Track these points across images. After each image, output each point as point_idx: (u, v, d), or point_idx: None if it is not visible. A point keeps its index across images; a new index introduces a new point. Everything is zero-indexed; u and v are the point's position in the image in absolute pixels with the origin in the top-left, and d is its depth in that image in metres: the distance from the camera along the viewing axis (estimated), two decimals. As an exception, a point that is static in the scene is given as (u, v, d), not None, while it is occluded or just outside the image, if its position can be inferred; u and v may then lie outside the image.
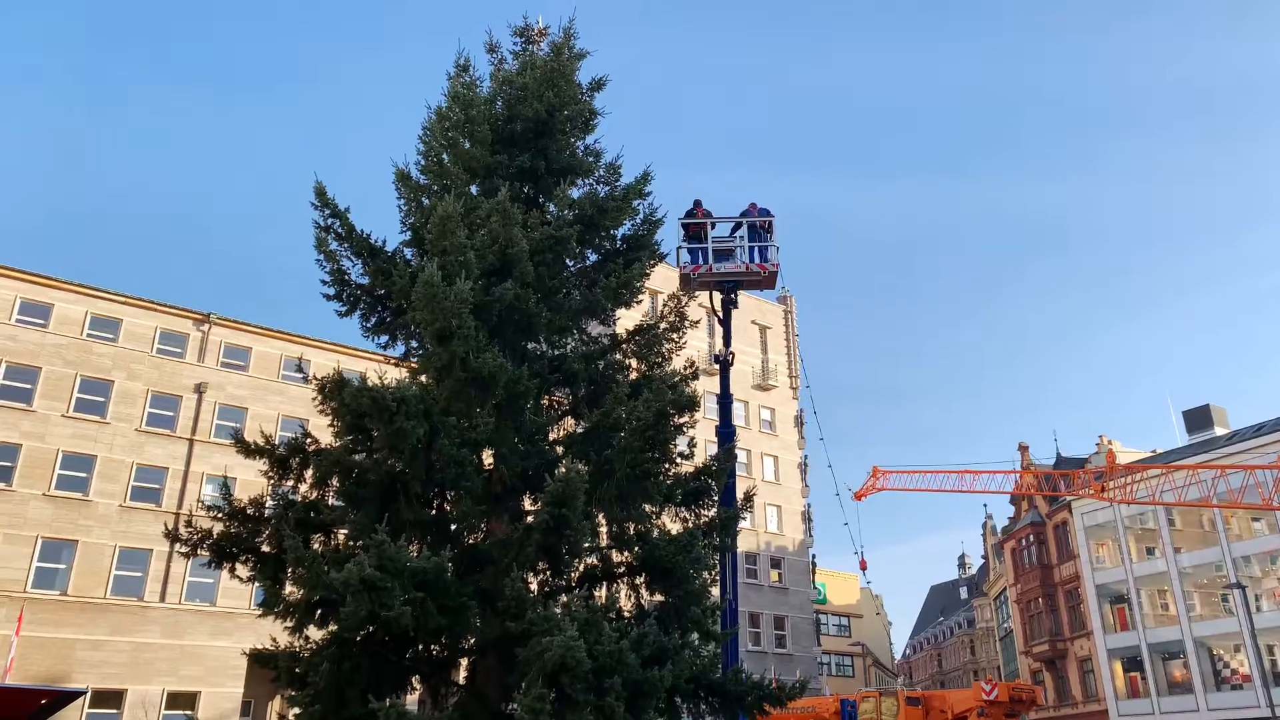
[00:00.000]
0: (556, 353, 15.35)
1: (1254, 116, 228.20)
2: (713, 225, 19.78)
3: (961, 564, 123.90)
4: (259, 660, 13.09)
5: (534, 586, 13.03)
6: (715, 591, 15.29)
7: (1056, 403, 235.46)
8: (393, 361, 16.47)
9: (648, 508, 13.77)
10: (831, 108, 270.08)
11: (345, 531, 12.99)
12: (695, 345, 33.33)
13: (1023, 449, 60.41)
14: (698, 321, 17.19)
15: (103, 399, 33.10)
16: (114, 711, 29.23)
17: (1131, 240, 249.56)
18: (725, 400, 19.60)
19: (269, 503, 13.50)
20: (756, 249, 19.66)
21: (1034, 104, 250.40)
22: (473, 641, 12.96)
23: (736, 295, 20.46)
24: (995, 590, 75.36)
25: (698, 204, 20.03)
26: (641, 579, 13.85)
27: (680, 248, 19.60)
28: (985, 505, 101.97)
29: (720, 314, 20.17)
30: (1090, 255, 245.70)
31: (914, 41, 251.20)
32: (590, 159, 16.48)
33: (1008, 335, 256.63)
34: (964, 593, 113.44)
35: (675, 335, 16.01)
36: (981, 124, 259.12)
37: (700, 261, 19.47)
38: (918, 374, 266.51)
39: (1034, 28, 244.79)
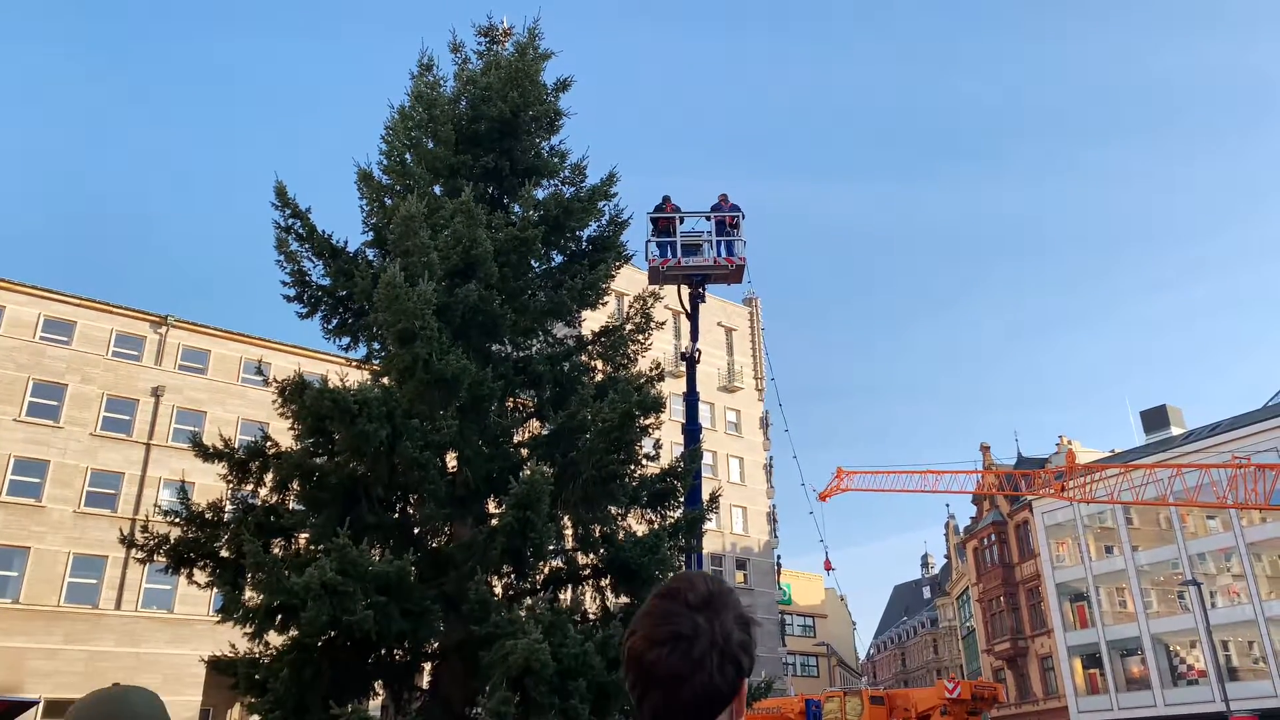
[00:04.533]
0: (521, 354, 15.26)
1: (1216, 126, 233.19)
2: (681, 220, 19.89)
3: (925, 563, 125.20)
4: (218, 667, 12.87)
5: (498, 590, 12.95)
6: (681, 593, 15.24)
7: (1018, 403, 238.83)
8: (355, 364, 16.27)
9: (613, 509, 13.74)
10: (802, 112, 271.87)
11: (306, 535, 12.82)
12: (661, 347, 33.30)
13: (984, 449, 61.17)
14: (663, 323, 17.21)
15: (56, 403, 32.40)
16: (68, 722, 28.64)
17: (1093, 245, 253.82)
18: (692, 397, 19.66)
19: (228, 507, 13.29)
20: (723, 243, 19.80)
21: (1004, 110, 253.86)
22: (436, 645, 12.84)
23: (704, 290, 20.61)
24: (958, 589, 76.14)
25: (666, 199, 20.14)
26: (607, 581, 13.81)
27: (649, 241, 19.70)
28: (948, 505, 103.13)
29: (688, 308, 20.29)
30: (1053, 259, 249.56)
31: (880, 48, 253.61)
32: (555, 160, 16.42)
33: (972, 336, 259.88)
34: (927, 592, 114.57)
35: (641, 337, 15.98)
36: (953, 129, 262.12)
37: (669, 255, 19.61)
38: (884, 375, 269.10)
39: (995, 35, 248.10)
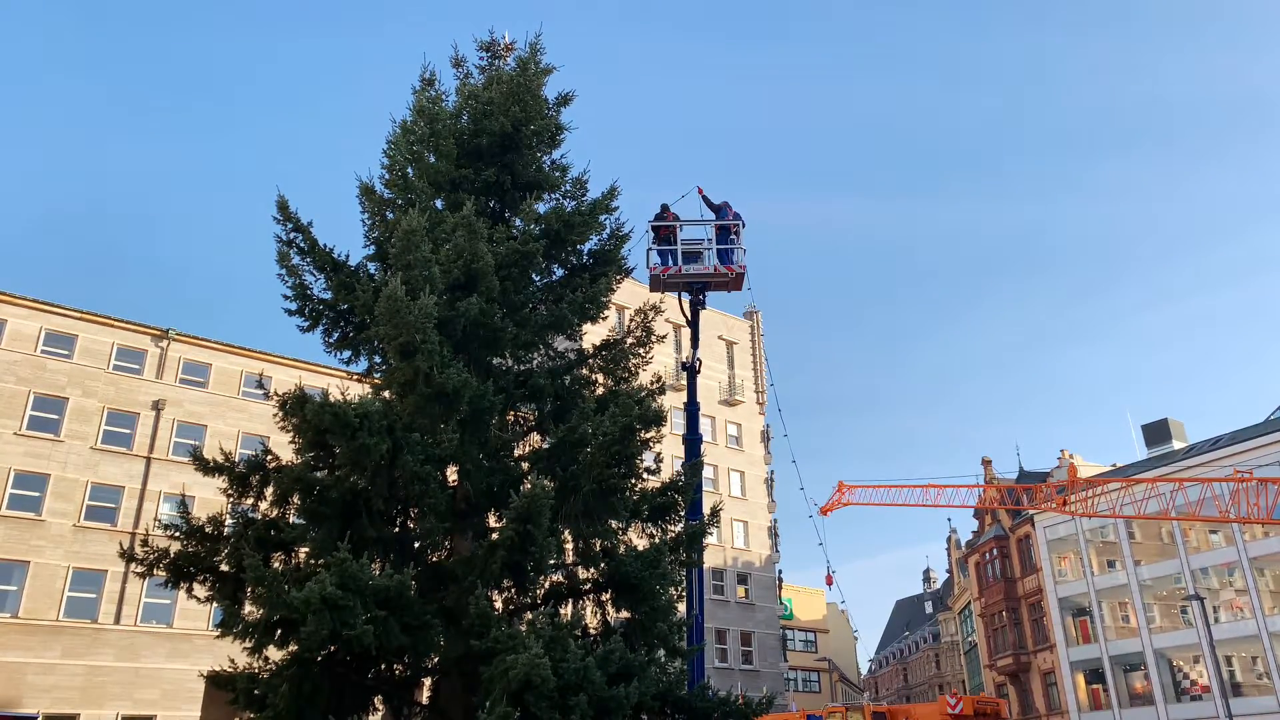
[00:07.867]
0: (522, 368, 15.25)
1: (1217, 139, 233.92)
2: (680, 227, 19.99)
3: (926, 578, 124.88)
4: (217, 682, 12.81)
5: (499, 604, 12.91)
6: (681, 607, 15.22)
7: (1019, 417, 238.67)
8: (355, 377, 16.28)
9: (614, 523, 13.70)
10: (805, 126, 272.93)
11: (306, 550, 12.79)
12: (661, 361, 33.37)
13: (986, 463, 61.09)
14: (664, 337, 17.22)
15: (57, 416, 32.42)
16: (66, 737, 28.51)
17: (1095, 259, 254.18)
18: (693, 407, 19.68)
19: (228, 521, 13.28)
20: (724, 251, 19.90)
21: (1010, 124, 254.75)
22: (436, 660, 12.80)
23: (704, 299, 20.68)
24: (960, 604, 75.87)
25: (665, 208, 20.23)
26: (607, 595, 13.76)
27: (650, 250, 19.77)
28: (949, 519, 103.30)
29: (689, 316, 20.36)
30: (1056, 273, 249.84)
31: (882, 62, 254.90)
32: (557, 174, 16.44)
33: (974, 350, 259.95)
34: (929, 607, 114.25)
35: (642, 350, 15.98)
36: (955, 143, 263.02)
37: (669, 263, 19.68)
38: (886, 388, 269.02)
39: (998, 49, 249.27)
